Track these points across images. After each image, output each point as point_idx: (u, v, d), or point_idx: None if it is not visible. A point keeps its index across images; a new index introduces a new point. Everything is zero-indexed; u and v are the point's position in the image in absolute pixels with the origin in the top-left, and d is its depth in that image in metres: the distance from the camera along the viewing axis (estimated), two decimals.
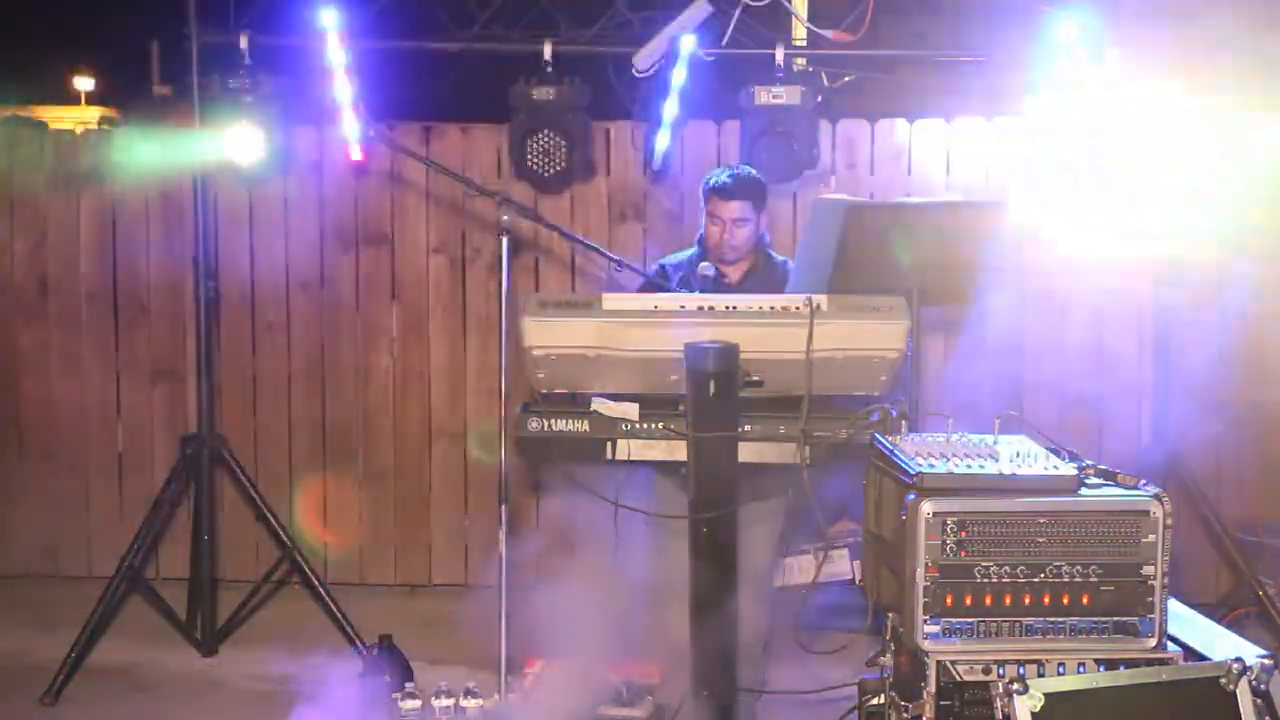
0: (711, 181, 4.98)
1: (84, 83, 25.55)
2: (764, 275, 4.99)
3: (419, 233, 6.45)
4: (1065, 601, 3.24)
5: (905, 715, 3.37)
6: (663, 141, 5.76)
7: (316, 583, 5.50)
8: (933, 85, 5.85)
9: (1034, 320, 6.31)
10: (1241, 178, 6.03)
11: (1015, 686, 2.99)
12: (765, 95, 5.40)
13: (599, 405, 4.19)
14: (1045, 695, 2.99)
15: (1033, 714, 2.96)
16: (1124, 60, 5.49)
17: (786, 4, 5.72)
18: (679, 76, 5.53)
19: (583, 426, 4.26)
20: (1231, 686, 3.03)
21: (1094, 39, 5.49)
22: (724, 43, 5.59)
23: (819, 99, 5.48)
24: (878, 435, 3.65)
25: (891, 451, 3.47)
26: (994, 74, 5.79)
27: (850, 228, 4.30)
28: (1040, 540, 3.23)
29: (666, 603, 4.26)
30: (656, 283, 4.95)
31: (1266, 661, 3.07)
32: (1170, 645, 3.29)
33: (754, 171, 5.07)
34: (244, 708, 5.01)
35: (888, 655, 3.58)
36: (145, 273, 6.48)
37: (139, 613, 5.70)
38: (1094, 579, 3.23)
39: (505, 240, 4.57)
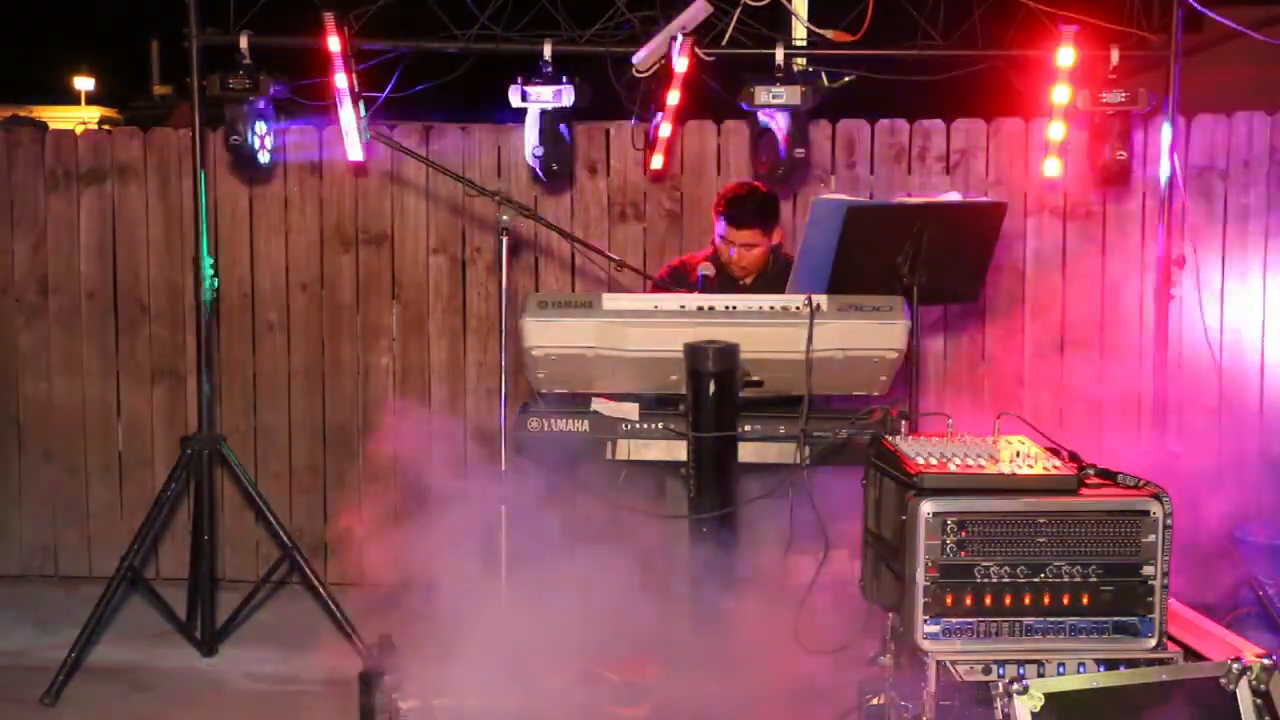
0: (723, 206, 5.02)
1: (84, 83, 25.57)
2: (775, 274, 5.02)
3: (419, 233, 6.45)
4: (1065, 601, 3.24)
5: (905, 715, 3.37)
6: (659, 156, 5.76)
7: (316, 583, 5.50)
8: (933, 85, 5.84)
9: (1033, 319, 6.31)
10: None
11: (1015, 686, 2.99)
12: (765, 95, 5.40)
13: (599, 405, 4.20)
14: (1045, 695, 2.99)
15: (1033, 714, 2.96)
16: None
17: (786, 4, 5.71)
18: (674, 95, 5.53)
19: (583, 426, 4.26)
20: (1231, 686, 3.04)
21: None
22: (724, 43, 5.59)
23: (819, 99, 5.48)
24: (878, 435, 3.65)
25: (891, 451, 3.47)
26: (995, 75, 5.79)
27: (850, 228, 4.30)
28: (1040, 540, 3.24)
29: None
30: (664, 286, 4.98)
31: (1266, 661, 3.08)
32: (1170, 645, 3.29)
33: (765, 190, 5.10)
34: (244, 708, 5.01)
35: (888, 655, 3.58)
36: (145, 273, 6.48)
37: (139, 613, 5.70)
38: (1094, 579, 3.24)
39: (505, 240, 4.57)
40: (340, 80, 5.47)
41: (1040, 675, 3.14)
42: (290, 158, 6.39)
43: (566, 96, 5.44)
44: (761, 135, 5.47)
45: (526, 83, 5.45)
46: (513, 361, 4.60)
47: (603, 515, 4.48)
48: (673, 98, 5.55)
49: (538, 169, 5.59)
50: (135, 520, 5.73)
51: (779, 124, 5.38)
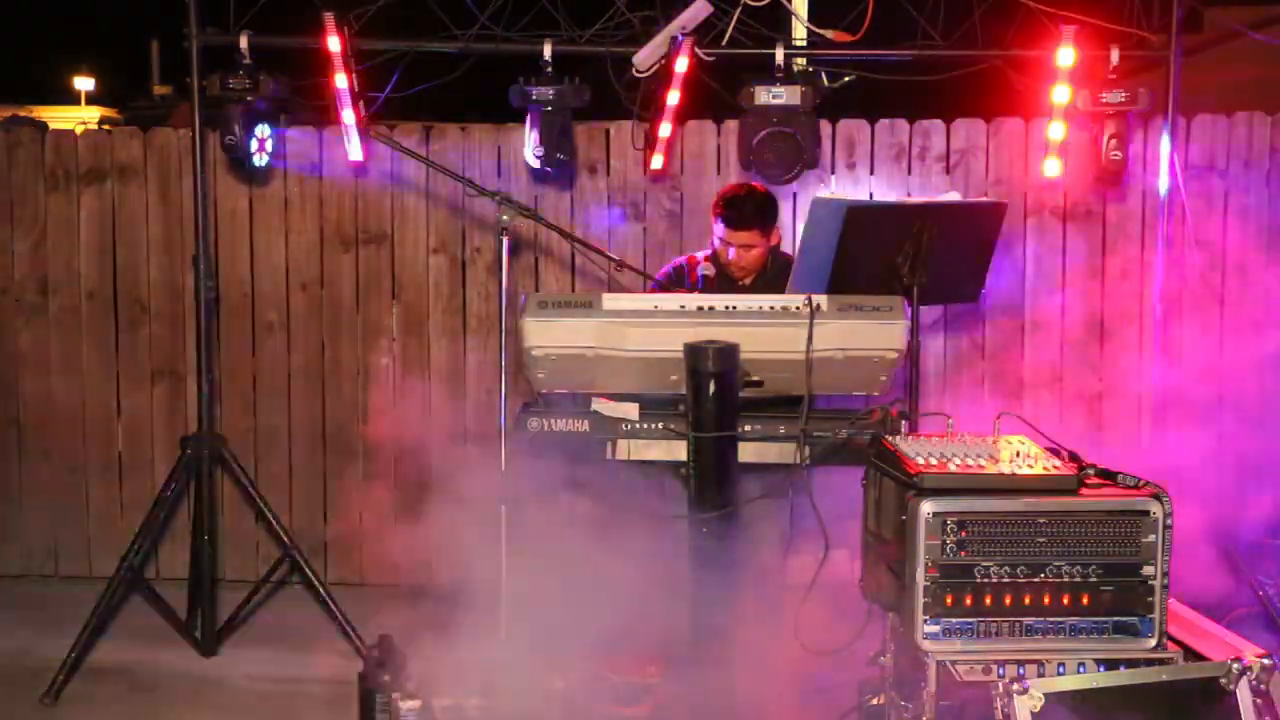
0: (721, 207, 5.03)
1: (84, 83, 25.57)
2: (775, 275, 5.02)
3: (419, 233, 6.45)
4: (1065, 601, 3.24)
5: (905, 715, 3.37)
6: (659, 156, 5.76)
7: (316, 583, 5.50)
8: (933, 85, 5.85)
9: (1033, 319, 6.31)
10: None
11: (1015, 686, 2.99)
12: (765, 95, 5.40)
13: (599, 405, 4.20)
14: (1045, 695, 2.99)
15: (1033, 714, 2.96)
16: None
17: (786, 4, 5.71)
18: (674, 95, 5.53)
19: (583, 426, 4.26)
20: (1231, 686, 3.04)
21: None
22: (724, 43, 5.59)
23: (819, 99, 5.48)
24: (878, 435, 3.65)
25: (891, 451, 3.47)
26: (995, 75, 5.79)
27: (850, 228, 4.30)
28: (1040, 540, 3.24)
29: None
30: (668, 285, 4.99)
31: (1266, 661, 3.08)
32: (1170, 645, 3.29)
33: (764, 191, 5.10)
34: (244, 708, 5.01)
35: (888, 655, 3.58)
36: (145, 273, 6.48)
37: (139, 613, 5.70)
38: (1094, 579, 3.24)
39: (505, 240, 4.57)
40: (340, 80, 5.47)
41: (1040, 675, 3.14)
42: (290, 158, 6.39)
43: (568, 96, 5.44)
44: (772, 137, 5.43)
45: (528, 83, 5.45)
46: (513, 361, 4.60)
47: (603, 515, 4.47)
48: (672, 98, 5.55)
49: (540, 167, 5.59)
50: (135, 520, 5.73)
51: (798, 125, 5.38)
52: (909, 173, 6.34)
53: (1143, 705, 3.05)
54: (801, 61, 5.63)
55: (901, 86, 5.82)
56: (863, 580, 3.72)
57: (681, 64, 5.45)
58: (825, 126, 6.21)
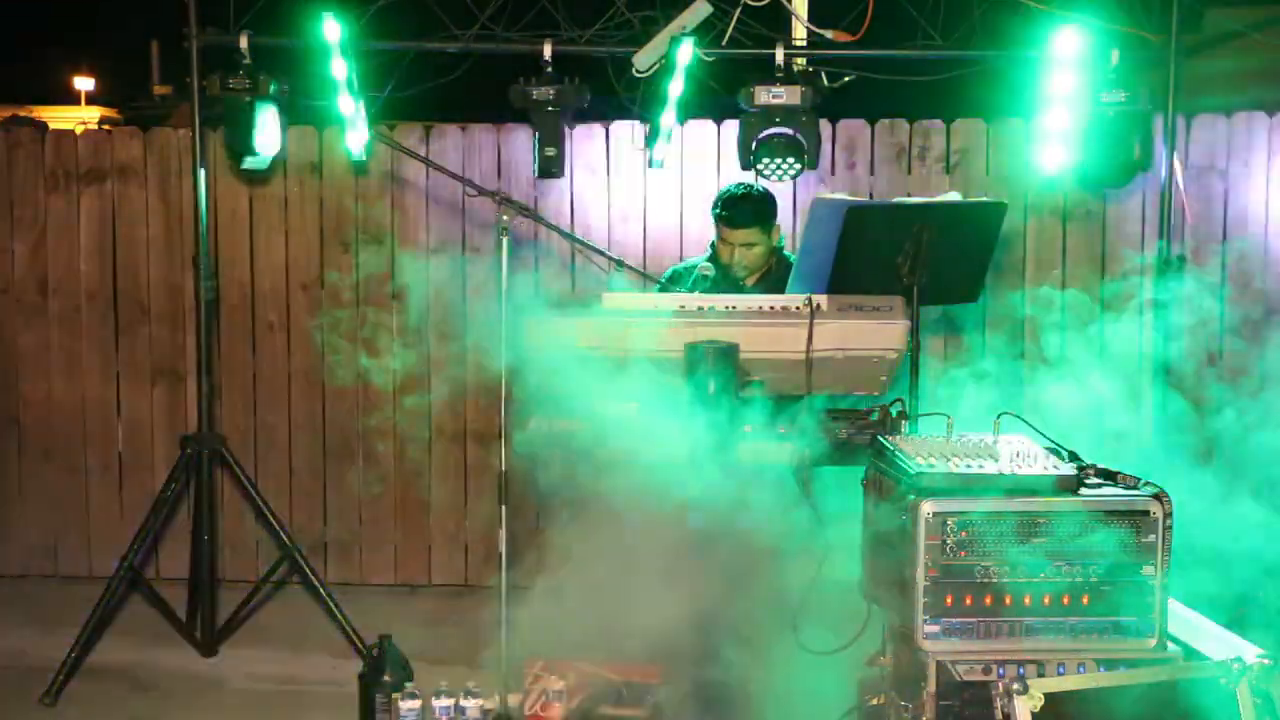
0: (719, 207, 5.03)
1: (84, 83, 25.59)
2: (778, 276, 5.02)
3: (419, 233, 6.45)
4: (1065, 602, 3.24)
5: (905, 715, 3.37)
6: (661, 149, 5.75)
7: (316, 583, 5.50)
8: (933, 85, 5.85)
9: (1033, 319, 6.31)
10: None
11: (1015, 686, 2.99)
12: (765, 95, 5.40)
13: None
14: (1045, 695, 2.99)
15: (1033, 714, 2.96)
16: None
17: (786, 4, 5.71)
18: (676, 88, 5.52)
19: (583, 426, 4.26)
20: (1231, 686, 3.03)
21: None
22: (724, 43, 5.59)
23: (819, 99, 5.48)
24: (878, 435, 3.65)
25: (891, 451, 3.47)
26: (995, 75, 5.79)
27: (850, 228, 4.30)
28: (1040, 540, 3.23)
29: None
30: (666, 288, 4.98)
31: (1266, 661, 3.07)
32: (1170, 645, 3.29)
33: (763, 189, 5.10)
34: (244, 708, 5.01)
35: (888, 655, 3.58)
36: (145, 273, 6.48)
37: (139, 613, 5.70)
38: (1094, 579, 3.23)
39: (505, 240, 4.57)
40: (340, 79, 5.46)
41: (1040, 675, 3.14)
42: (290, 158, 6.39)
43: (568, 96, 5.43)
44: (772, 137, 5.41)
45: (528, 83, 5.45)
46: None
47: (602, 515, 4.47)
48: (675, 87, 5.54)
49: (540, 167, 5.58)
50: (135, 520, 5.73)
51: (798, 125, 5.36)
52: (909, 173, 6.34)
53: (1143, 705, 3.04)
54: (801, 61, 5.62)
55: (901, 86, 5.82)
56: (863, 580, 3.72)
57: (684, 54, 5.44)
58: (825, 126, 6.21)
